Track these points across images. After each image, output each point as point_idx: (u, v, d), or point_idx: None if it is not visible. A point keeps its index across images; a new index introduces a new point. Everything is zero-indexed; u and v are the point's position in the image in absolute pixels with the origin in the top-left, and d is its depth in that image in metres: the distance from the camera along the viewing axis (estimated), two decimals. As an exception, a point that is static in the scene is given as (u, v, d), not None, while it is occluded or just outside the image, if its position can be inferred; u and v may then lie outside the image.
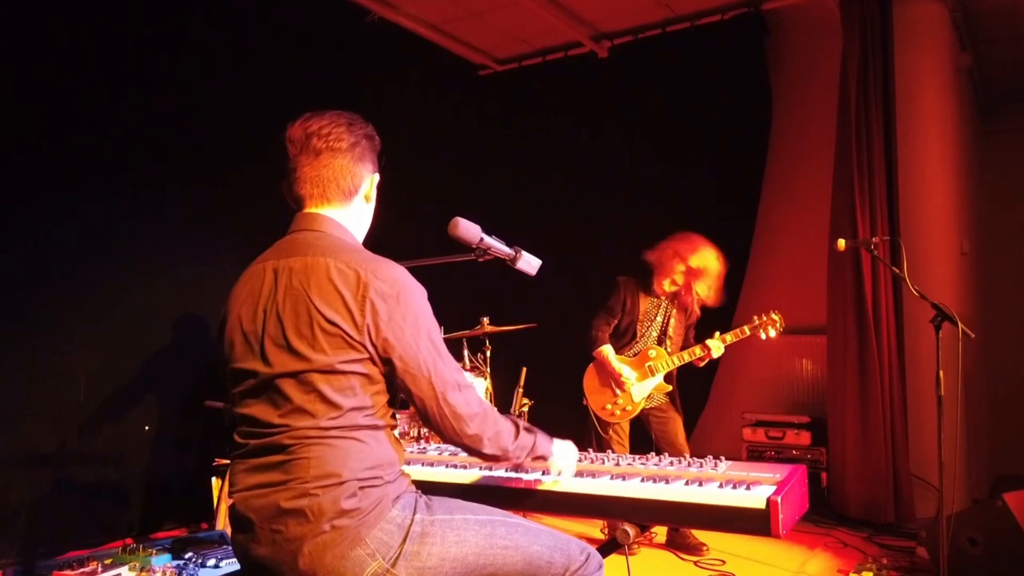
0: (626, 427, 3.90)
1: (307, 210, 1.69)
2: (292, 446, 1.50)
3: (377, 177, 1.77)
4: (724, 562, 3.66)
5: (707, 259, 3.73)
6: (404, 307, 1.55)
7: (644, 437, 3.97)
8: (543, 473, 1.90)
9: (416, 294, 1.59)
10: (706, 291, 3.78)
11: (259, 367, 1.55)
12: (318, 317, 1.51)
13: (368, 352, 1.53)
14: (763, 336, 3.71)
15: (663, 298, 3.90)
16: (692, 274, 3.75)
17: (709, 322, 3.96)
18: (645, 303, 3.91)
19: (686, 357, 3.76)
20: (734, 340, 3.71)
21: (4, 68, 3.38)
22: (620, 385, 3.79)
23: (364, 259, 1.58)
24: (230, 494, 1.58)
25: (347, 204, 1.71)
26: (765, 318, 3.71)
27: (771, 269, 5.34)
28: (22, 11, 3.43)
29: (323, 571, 1.46)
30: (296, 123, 1.67)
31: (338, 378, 1.51)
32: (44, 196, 3.53)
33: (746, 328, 3.71)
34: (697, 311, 3.92)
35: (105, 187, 3.73)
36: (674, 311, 3.91)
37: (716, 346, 3.69)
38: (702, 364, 3.80)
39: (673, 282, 3.81)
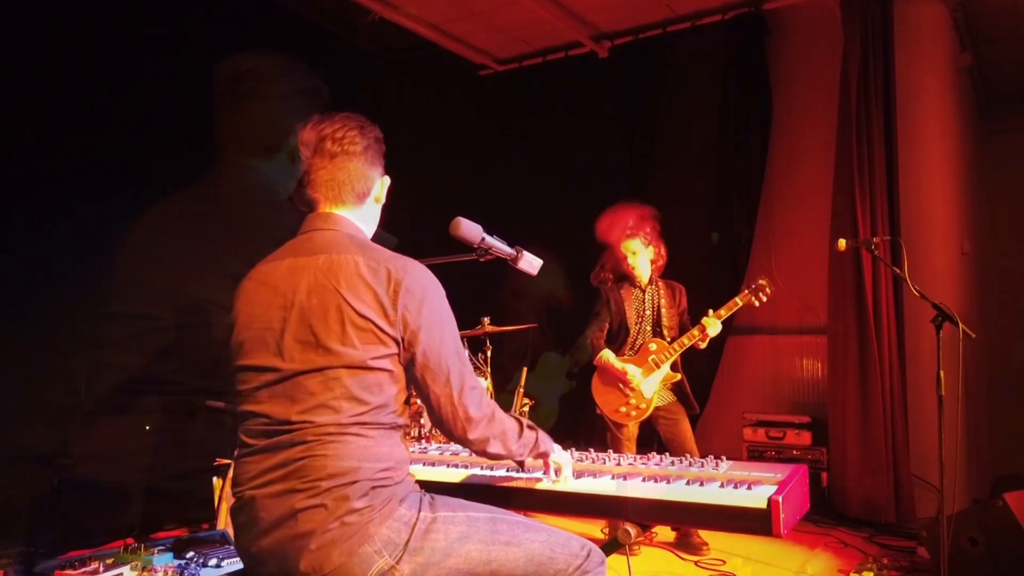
0: (634, 431, 3.90)
1: (321, 210, 1.70)
2: (310, 442, 1.50)
3: (388, 180, 1.80)
4: (724, 562, 3.66)
5: (612, 216, 3.98)
6: (431, 305, 1.59)
7: (652, 441, 3.96)
8: (543, 473, 1.90)
9: (440, 293, 1.64)
10: (635, 244, 3.90)
11: (278, 363, 1.55)
12: (349, 312, 1.52)
13: (397, 347, 1.55)
14: (756, 303, 3.73)
15: (645, 288, 3.93)
16: (623, 233, 3.91)
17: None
18: (630, 299, 3.94)
19: (686, 342, 3.76)
20: (728, 313, 3.72)
21: (4, 68, 3.37)
22: (628, 384, 3.78)
23: (390, 256, 1.61)
24: (234, 491, 1.58)
25: (360, 206, 1.73)
26: (754, 286, 3.75)
27: (771, 269, 5.34)
28: (22, 11, 3.43)
29: (329, 567, 1.46)
30: (308, 126, 1.68)
31: (365, 374, 1.53)
32: (44, 196, 3.52)
33: (737, 299, 3.74)
34: (661, 260, 3.98)
35: (105, 187, 3.72)
36: (663, 300, 3.93)
37: (711, 323, 3.68)
38: (703, 345, 3.80)
39: (629, 252, 3.90)
